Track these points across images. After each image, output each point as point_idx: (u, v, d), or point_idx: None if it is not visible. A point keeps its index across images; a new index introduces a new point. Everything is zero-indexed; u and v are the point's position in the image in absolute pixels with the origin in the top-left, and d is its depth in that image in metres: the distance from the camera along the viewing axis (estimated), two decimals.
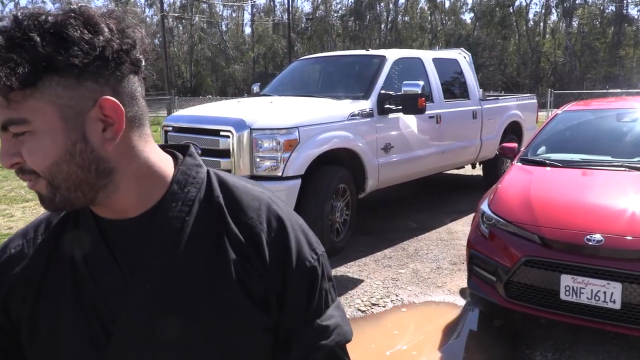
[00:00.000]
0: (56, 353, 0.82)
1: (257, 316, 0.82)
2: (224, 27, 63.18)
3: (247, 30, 65.72)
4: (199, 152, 4.02)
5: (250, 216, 0.84)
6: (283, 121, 4.75)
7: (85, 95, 0.72)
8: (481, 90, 7.65)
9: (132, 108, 0.78)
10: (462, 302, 4.06)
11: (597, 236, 3.06)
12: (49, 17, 0.70)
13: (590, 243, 3.05)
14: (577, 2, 48.70)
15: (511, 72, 49.71)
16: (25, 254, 0.86)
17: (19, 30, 0.68)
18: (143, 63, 0.78)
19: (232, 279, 0.81)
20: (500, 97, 8.70)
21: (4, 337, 0.86)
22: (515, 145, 4.89)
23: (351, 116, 5.19)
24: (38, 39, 0.68)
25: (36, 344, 0.84)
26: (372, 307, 3.98)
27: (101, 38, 0.71)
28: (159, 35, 39.41)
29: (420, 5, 59.45)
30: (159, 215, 0.81)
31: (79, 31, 0.69)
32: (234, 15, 64.70)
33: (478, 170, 8.54)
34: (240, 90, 51.12)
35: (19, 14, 0.70)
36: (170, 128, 5.25)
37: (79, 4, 0.73)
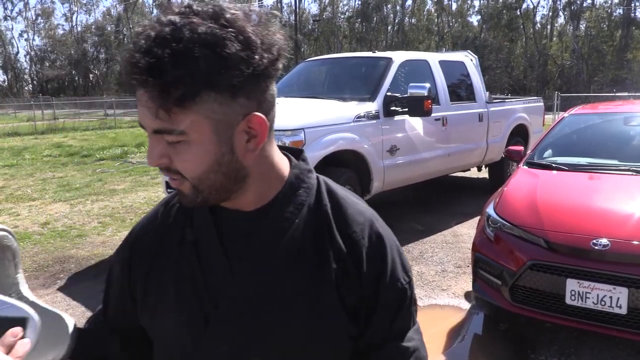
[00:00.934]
0: (160, 328, 0.89)
1: (347, 323, 0.84)
2: None
3: None
4: None
5: (354, 230, 0.87)
6: (289, 122, 4.75)
7: (237, 110, 0.75)
8: (487, 92, 7.63)
9: (270, 115, 0.81)
10: (466, 305, 4.04)
11: (604, 240, 3.04)
12: (207, 29, 0.69)
13: (596, 247, 3.03)
14: (584, 5, 48.62)
15: (518, 75, 49.64)
16: (148, 233, 0.94)
17: (180, 42, 0.68)
18: (281, 67, 0.79)
19: (331, 285, 0.83)
20: (506, 100, 8.66)
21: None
22: (521, 148, 4.88)
23: (357, 118, 5.19)
24: (199, 56, 0.68)
25: (145, 316, 0.91)
26: None
27: (256, 57, 0.72)
28: None
29: (427, 7, 59.52)
30: (271, 214, 0.85)
31: (234, 48, 0.70)
32: None
33: (484, 173, 8.51)
34: None
35: (176, 19, 0.70)
36: None
37: (230, 14, 0.72)
